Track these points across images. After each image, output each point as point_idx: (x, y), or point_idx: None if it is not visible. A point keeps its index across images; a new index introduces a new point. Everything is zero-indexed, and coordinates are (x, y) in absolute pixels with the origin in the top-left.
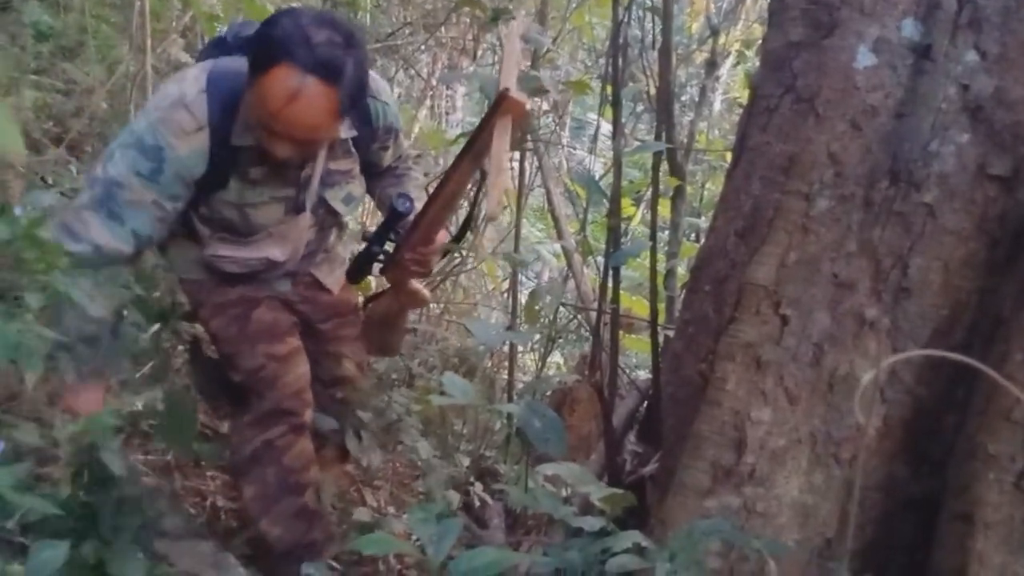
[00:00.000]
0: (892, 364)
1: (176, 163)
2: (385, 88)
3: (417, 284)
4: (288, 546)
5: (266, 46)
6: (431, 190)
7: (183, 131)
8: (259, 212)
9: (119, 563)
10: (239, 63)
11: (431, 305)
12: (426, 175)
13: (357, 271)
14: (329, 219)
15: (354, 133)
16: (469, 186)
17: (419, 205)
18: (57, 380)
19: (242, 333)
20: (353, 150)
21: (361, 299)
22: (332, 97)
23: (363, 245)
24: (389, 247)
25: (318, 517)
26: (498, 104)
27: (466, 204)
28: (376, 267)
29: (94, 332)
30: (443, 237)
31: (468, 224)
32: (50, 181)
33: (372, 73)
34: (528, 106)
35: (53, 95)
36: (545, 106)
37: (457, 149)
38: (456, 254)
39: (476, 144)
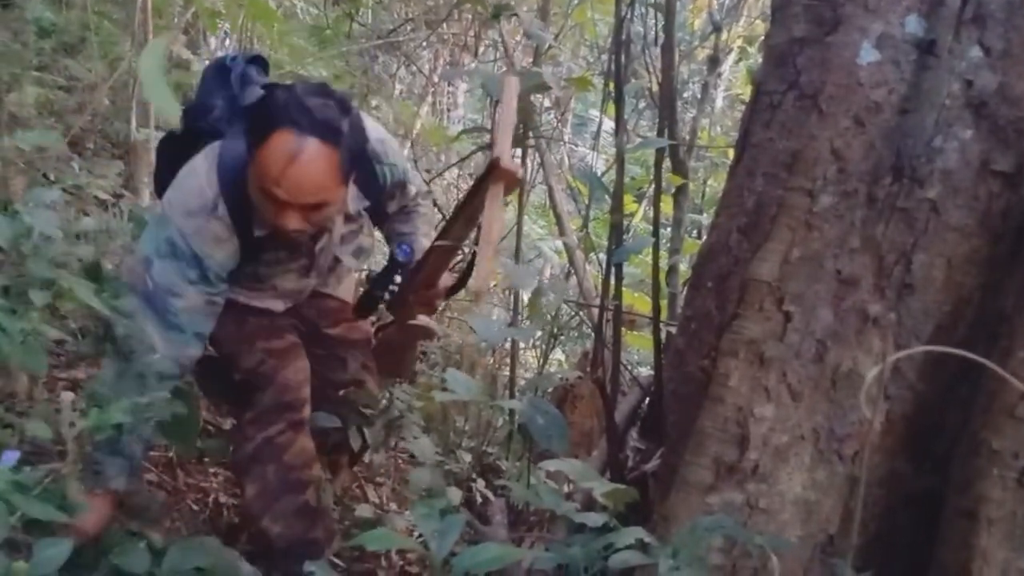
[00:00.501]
0: (895, 360)
1: (215, 265)
2: (392, 146)
3: (424, 318)
4: (289, 544)
5: (263, 117)
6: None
7: (218, 239)
8: (275, 278)
9: (122, 556)
10: (243, 148)
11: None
12: (428, 171)
13: (363, 309)
14: (337, 266)
15: (366, 204)
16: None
17: (424, 243)
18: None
19: (240, 332)
20: (363, 213)
21: (372, 328)
22: (332, 156)
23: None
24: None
25: (319, 515)
26: (489, 173)
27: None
28: (382, 304)
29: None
30: (447, 280)
31: (465, 278)
32: (52, 178)
33: (378, 133)
34: (520, 174)
35: (55, 91)
36: (547, 103)
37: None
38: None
39: (468, 207)
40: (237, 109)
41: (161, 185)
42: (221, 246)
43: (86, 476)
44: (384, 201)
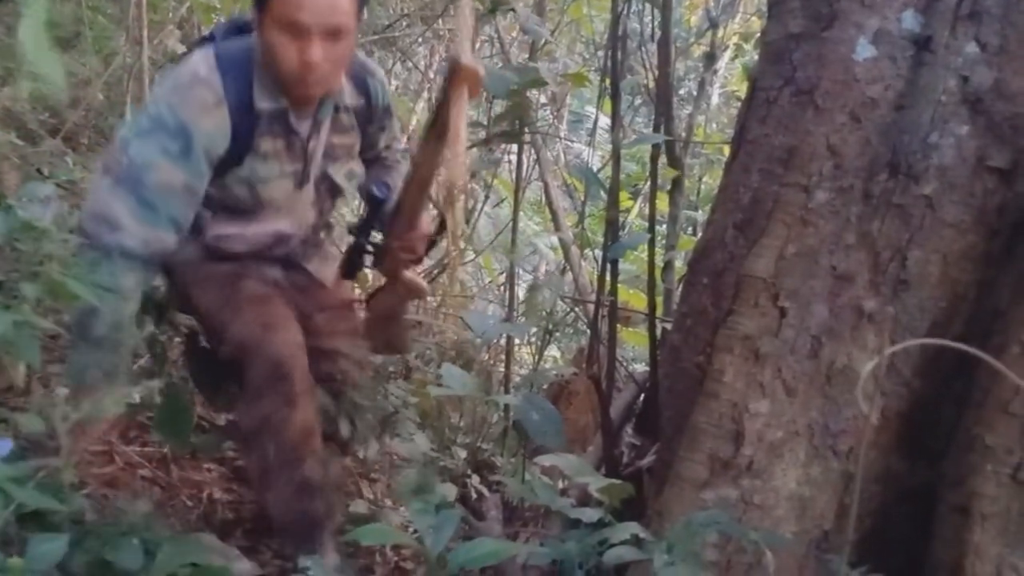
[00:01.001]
0: (890, 358)
1: (203, 139)
2: (379, 70)
3: (412, 274)
4: (289, 521)
5: None
6: None
7: (204, 106)
8: (269, 187)
9: (117, 553)
10: (239, 41)
11: (428, 298)
12: None
13: (349, 265)
14: (328, 199)
15: (361, 101)
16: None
17: (401, 185)
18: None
19: (231, 300)
20: (356, 126)
21: (361, 296)
22: None
23: (351, 240)
24: (377, 239)
25: (319, 490)
26: (452, 74)
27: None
28: (368, 261)
29: (124, 311)
30: (427, 223)
31: (444, 224)
32: (46, 172)
33: (363, 56)
34: (482, 73)
35: (48, 86)
36: (543, 99)
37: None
38: (454, 247)
39: (438, 122)
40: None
41: None
42: (209, 114)
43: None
44: (375, 132)
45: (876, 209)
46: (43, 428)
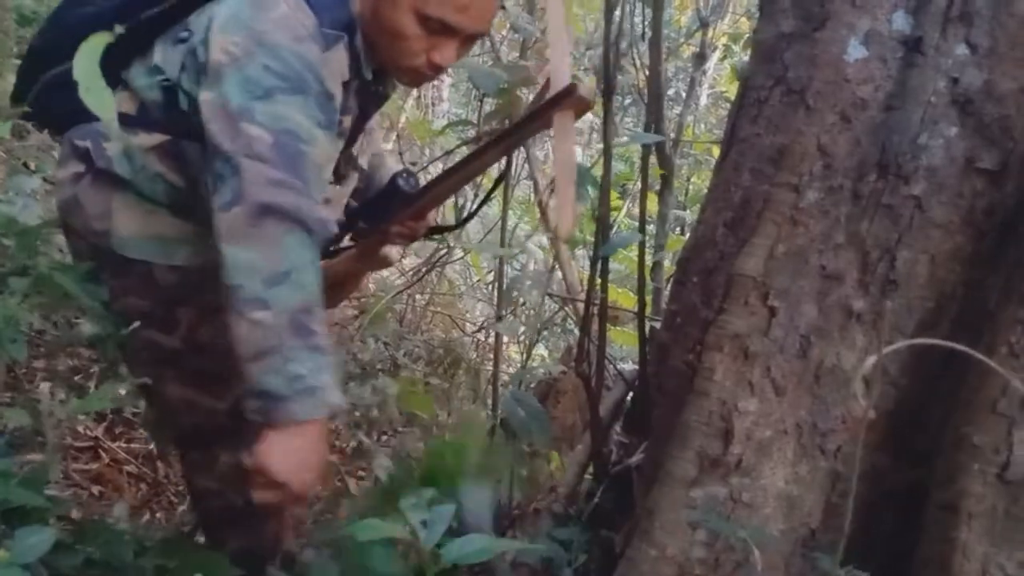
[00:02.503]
0: (877, 355)
1: (335, 114)
2: None
3: (387, 248)
4: (248, 551)
5: None
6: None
7: (342, 72)
8: (325, 170)
9: (105, 547)
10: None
11: (415, 296)
12: (413, 164)
13: (332, 243)
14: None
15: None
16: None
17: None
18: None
19: None
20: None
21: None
22: None
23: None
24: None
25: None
26: (560, 99)
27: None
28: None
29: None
30: (431, 218)
31: (461, 223)
32: (33, 167)
33: None
34: (594, 102)
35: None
36: (532, 98)
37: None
38: (442, 246)
39: (515, 134)
40: None
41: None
42: (338, 87)
43: (276, 407)
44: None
45: (865, 209)
46: (29, 422)
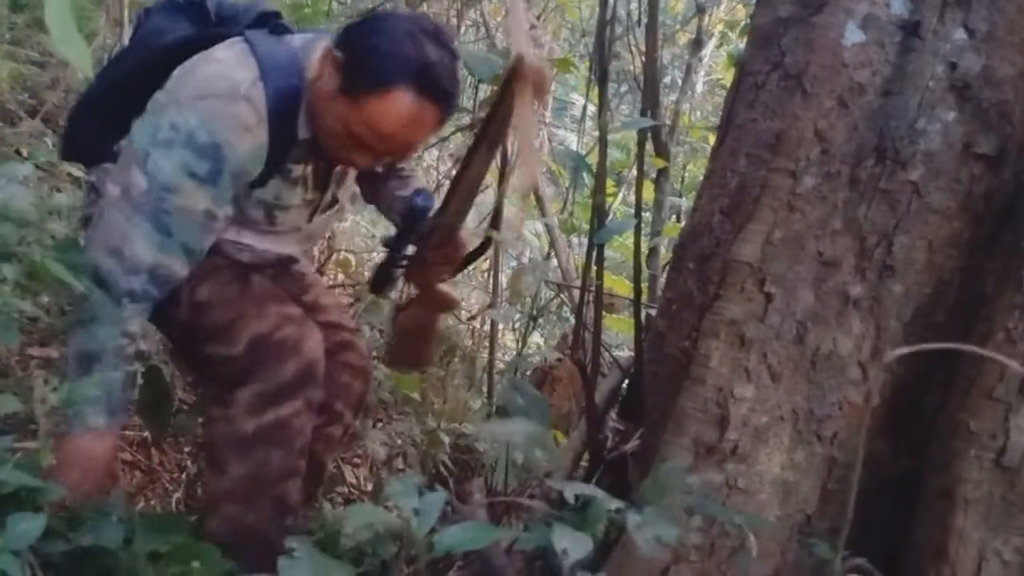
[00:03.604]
0: (875, 342)
1: (236, 163)
2: None
3: (445, 287)
4: (253, 540)
5: (381, 62)
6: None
7: (244, 127)
8: (288, 214)
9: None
10: (281, 46)
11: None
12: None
13: (382, 280)
14: (332, 220)
15: None
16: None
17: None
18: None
19: (245, 294)
20: None
21: (393, 310)
22: (441, 117)
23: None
24: (410, 252)
25: (293, 512)
26: (515, 75)
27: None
28: (400, 274)
29: (128, 351)
30: (465, 238)
31: (486, 246)
32: (25, 153)
33: None
34: (548, 72)
35: (28, 66)
36: None
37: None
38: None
39: (489, 128)
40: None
41: (88, 145)
42: (247, 136)
43: (60, 421)
44: None
45: (863, 195)
46: (20, 407)
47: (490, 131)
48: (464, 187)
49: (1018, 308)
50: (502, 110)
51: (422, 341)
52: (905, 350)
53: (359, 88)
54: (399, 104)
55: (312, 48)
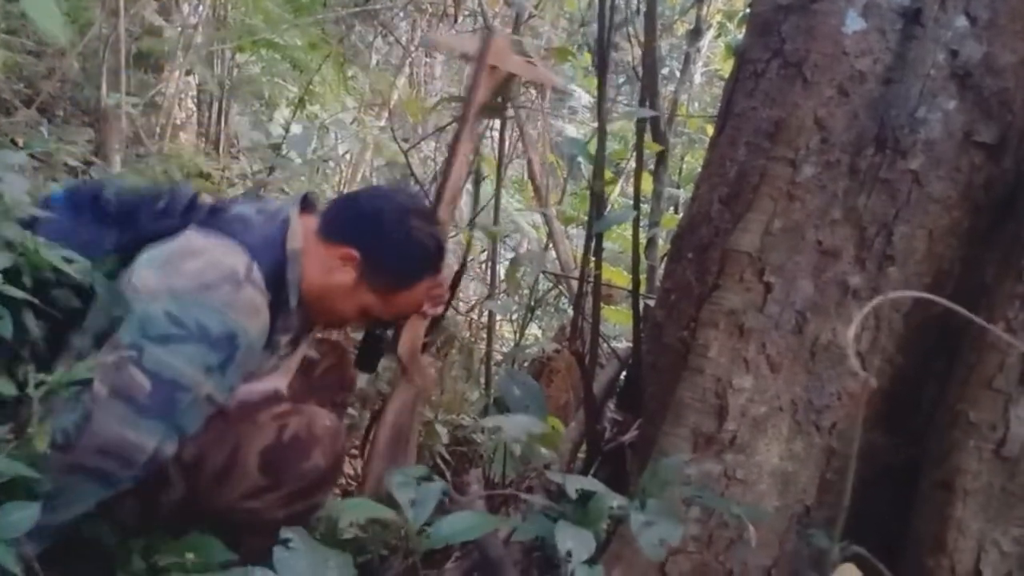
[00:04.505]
0: (874, 333)
1: (247, 348)
2: None
3: (426, 360)
4: None
5: (406, 264)
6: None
7: (255, 310)
8: (265, 373)
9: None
10: (249, 224)
11: None
12: (406, 141)
13: (368, 355)
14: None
15: None
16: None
17: None
18: None
19: (230, 419)
20: None
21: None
22: None
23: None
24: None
25: None
26: (484, 51)
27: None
28: (383, 347)
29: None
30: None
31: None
32: (20, 143)
33: None
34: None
35: (24, 56)
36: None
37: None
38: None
39: (468, 111)
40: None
41: None
42: (258, 319)
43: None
44: None
45: (863, 184)
46: (13, 392)
47: (469, 114)
48: (453, 171)
49: (1018, 298)
50: (476, 91)
51: (403, 438)
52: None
53: (389, 287)
54: (424, 287)
55: (284, 217)
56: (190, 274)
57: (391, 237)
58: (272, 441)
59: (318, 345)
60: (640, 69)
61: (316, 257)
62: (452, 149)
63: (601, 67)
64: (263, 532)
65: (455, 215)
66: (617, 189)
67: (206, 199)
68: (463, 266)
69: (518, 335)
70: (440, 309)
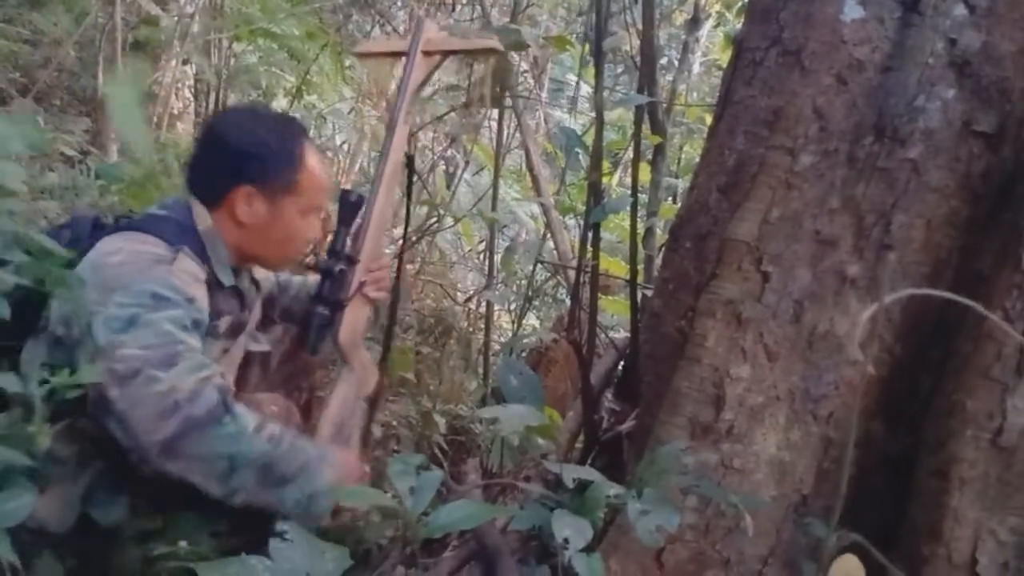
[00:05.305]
0: (872, 322)
1: (201, 316)
2: None
3: (367, 355)
4: None
5: (276, 151)
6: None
7: (195, 276)
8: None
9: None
10: (175, 225)
11: (407, 265)
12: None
13: (313, 338)
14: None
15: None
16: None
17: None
18: None
19: None
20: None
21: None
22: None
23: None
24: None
25: None
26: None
27: None
28: (327, 331)
29: (268, 430)
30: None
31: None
32: None
33: None
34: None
35: (20, 45)
36: (524, 65)
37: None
38: (432, 215)
39: (402, 92)
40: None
41: None
42: (200, 286)
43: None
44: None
45: (861, 173)
46: (18, 388)
47: (404, 94)
48: (388, 166)
49: (1016, 287)
50: (409, 73)
51: (351, 427)
52: (907, 292)
53: (287, 182)
54: (315, 163)
55: (185, 205)
56: (119, 267)
57: (246, 141)
58: None
59: (270, 335)
60: (638, 58)
61: (225, 221)
62: (387, 135)
63: (598, 55)
64: (249, 521)
65: (393, 200)
66: (615, 179)
67: (108, 219)
68: (403, 250)
69: (516, 325)
70: (383, 294)
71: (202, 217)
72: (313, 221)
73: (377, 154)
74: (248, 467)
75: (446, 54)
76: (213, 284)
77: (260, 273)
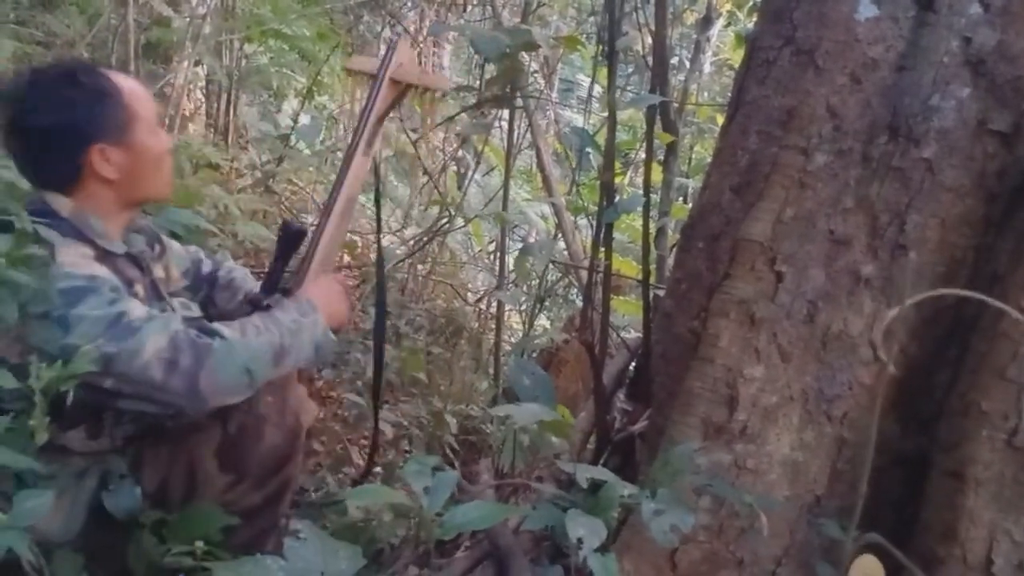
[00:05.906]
0: (888, 322)
1: (113, 282)
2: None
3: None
4: None
5: (89, 84)
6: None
7: (83, 256)
8: None
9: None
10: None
11: (417, 266)
12: (415, 131)
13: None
14: None
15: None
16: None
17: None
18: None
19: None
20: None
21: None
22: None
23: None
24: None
25: None
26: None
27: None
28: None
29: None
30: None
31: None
32: None
33: None
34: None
35: (33, 46)
36: (534, 65)
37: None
38: (443, 215)
39: (368, 113)
40: None
41: None
42: (94, 264)
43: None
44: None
45: (875, 172)
46: (15, 384)
47: (370, 114)
48: (350, 175)
49: None
50: (377, 92)
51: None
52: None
53: (114, 111)
54: (111, 73)
55: (42, 204)
56: (59, 268)
57: (61, 114)
58: (220, 438)
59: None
60: (650, 58)
61: (94, 189)
62: (343, 165)
63: (610, 54)
64: (248, 518)
65: (344, 235)
66: (627, 179)
67: None
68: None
69: (527, 325)
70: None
71: (62, 204)
72: (159, 131)
73: (390, 155)
74: (262, 361)
75: (407, 86)
76: (106, 257)
77: (179, 249)
